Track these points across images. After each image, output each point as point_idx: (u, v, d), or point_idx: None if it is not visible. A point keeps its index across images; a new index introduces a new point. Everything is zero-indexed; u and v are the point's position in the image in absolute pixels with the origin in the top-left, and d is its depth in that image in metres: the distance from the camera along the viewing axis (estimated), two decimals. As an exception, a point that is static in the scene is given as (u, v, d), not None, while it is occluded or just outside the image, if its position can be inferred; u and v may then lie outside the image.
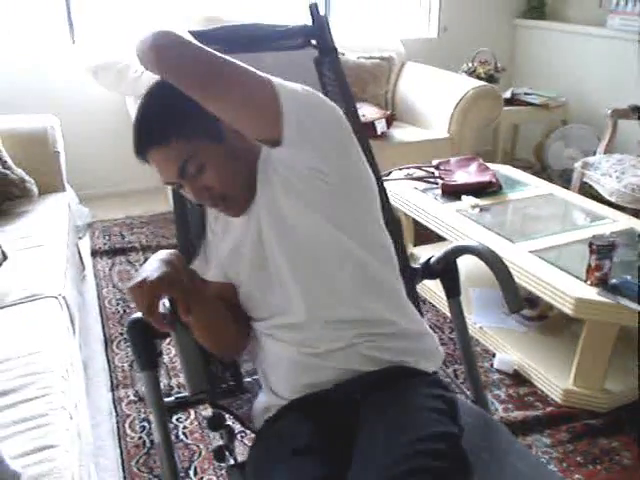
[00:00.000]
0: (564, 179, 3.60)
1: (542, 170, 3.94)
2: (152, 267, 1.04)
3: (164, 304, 1.06)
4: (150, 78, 1.09)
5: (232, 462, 1.21)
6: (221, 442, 1.24)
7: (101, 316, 2.53)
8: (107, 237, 3.22)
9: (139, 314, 1.12)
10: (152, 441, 1.89)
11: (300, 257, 1.13)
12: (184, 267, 1.09)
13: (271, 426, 1.16)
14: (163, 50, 0.99)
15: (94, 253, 3.06)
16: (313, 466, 1.02)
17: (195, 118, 1.06)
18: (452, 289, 1.56)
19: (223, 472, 1.78)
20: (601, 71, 3.86)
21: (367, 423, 1.07)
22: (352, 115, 1.49)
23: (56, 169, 2.59)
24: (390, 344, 1.15)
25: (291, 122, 1.04)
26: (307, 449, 1.05)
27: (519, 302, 1.34)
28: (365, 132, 1.54)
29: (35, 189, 2.42)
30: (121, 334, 2.41)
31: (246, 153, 1.16)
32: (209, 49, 1.01)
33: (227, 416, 1.29)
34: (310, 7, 1.52)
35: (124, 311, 2.57)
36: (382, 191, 1.46)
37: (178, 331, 1.03)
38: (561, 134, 3.86)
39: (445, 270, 1.55)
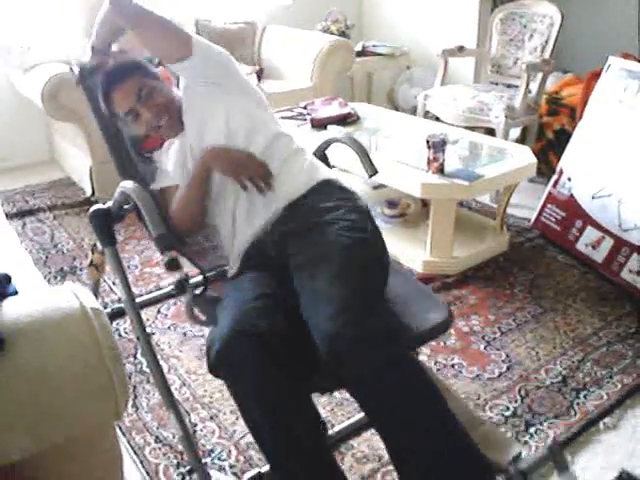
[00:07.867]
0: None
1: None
2: None
3: None
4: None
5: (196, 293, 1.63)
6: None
7: (26, 264, 2.81)
8: (11, 204, 3.42)
9: (99, 205, 1.54)
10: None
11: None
12: None
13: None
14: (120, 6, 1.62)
15: (3, 217, 3.28)
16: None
17: (141, 68, 1.75)
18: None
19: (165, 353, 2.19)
20: (434, 21, 4.51)
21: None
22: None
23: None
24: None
25: (198, 45, 1.62)
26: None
27: (374, 168, 1.86)
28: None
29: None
30: (50, 273, 2.72)
31: (172, 94, 1.77)
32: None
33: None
34: None
35: (46, 257, 2.86)
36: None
37: (137, 193, 1.44)
38: (406, 77, 4.49)
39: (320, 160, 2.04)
